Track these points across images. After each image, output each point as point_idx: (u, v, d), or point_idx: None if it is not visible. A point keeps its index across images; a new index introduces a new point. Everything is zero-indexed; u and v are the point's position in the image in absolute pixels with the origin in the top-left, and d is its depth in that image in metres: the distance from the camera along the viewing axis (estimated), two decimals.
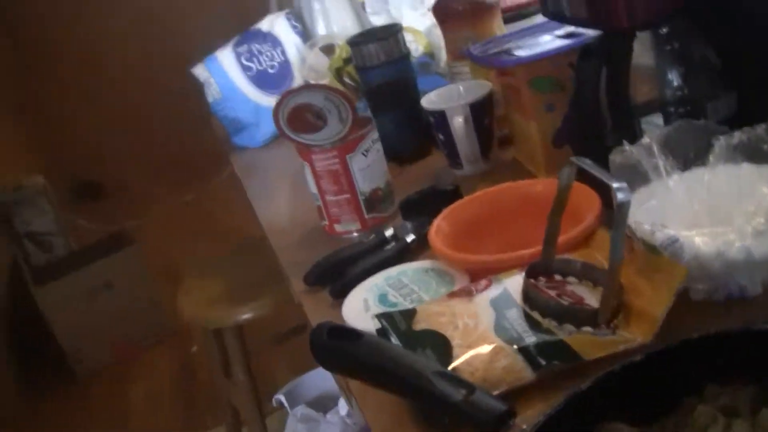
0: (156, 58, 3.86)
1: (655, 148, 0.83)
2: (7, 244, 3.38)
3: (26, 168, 3.75)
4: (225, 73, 1.81)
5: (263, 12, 2.02)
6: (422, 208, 1.16)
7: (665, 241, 0.75)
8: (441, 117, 1.29)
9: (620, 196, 0.70)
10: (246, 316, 1.91)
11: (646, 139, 0.85)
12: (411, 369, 0.69)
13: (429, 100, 1.33)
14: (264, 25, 1.89)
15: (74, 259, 3.31)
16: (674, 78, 1.03)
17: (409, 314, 0.82)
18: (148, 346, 3.18)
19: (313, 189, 1.25)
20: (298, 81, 1.85)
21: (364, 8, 1.92)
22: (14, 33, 4.09)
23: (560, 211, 0.79)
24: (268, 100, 1.80)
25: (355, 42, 1.43)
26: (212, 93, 1.80)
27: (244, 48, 1.84)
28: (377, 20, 1.89)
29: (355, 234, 1.23)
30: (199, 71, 1.80)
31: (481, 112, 1.28)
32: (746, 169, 0.82)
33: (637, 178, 0.84)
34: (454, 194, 1.15)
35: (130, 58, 4.03)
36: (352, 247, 1.15)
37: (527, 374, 0.72)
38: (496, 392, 0.70)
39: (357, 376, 0.74)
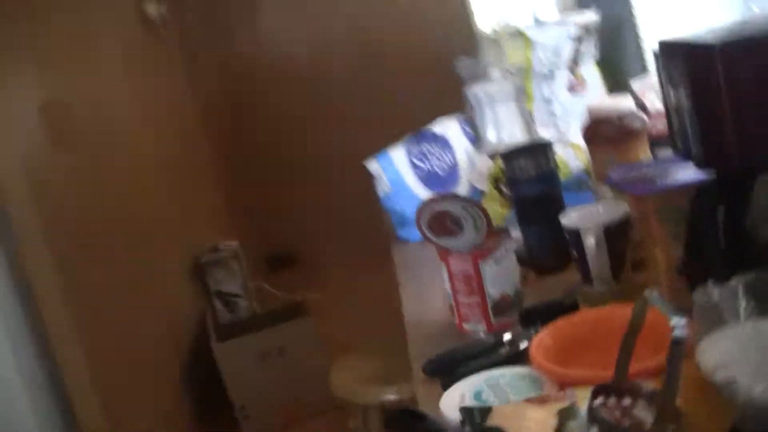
0: (359, 139, 4.13)
1: (740, 292, 0.89)
2: (200, 301, 3.67)
3: (225, 232, 4.07)
4: (396, 169, 1.96)
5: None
6: (542, 318, 1.24)
7: (723, 381, 0.80)
8: (575, 235, 1.37)
9: (677, 332, 0.77)
10: (390, 397, 2.02)
11: (733, 282, 0.90)
12: None
13: (568, 218, 1.41)
14: (437, 127, 2.04)
15: (254, 322, 3.54)
16: None
17: (486, 411, 0.91)
18: (312, 414, 3.34)
19: (448, 288, 1.36)
20: (464, 183, 1.97)
21: (533, 119, 2.03)
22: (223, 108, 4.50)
23: (633, 338, 0.86)
24: None
25: (507, 155, 1.54)
26: (383, 187, 1.95)
27: (416, 148, 1.98)
28: (545, 132, 2.00)
29: (482, 334, 1.33)
30: (372, 165, 1.96)
31: (614, 234, 1.35)
32: None
33: (720, 318, 0.90)
34: (572, 309, 1.22)
35: (334, 139, 4.33)
36: (471, 345, 1.25)
37: None
38: None
39: None
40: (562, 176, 1.74)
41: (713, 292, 0.90)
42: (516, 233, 1.56)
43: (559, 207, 1.51)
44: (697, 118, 1.04)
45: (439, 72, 2.74)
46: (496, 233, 1.32)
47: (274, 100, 4.67)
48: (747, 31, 1.05)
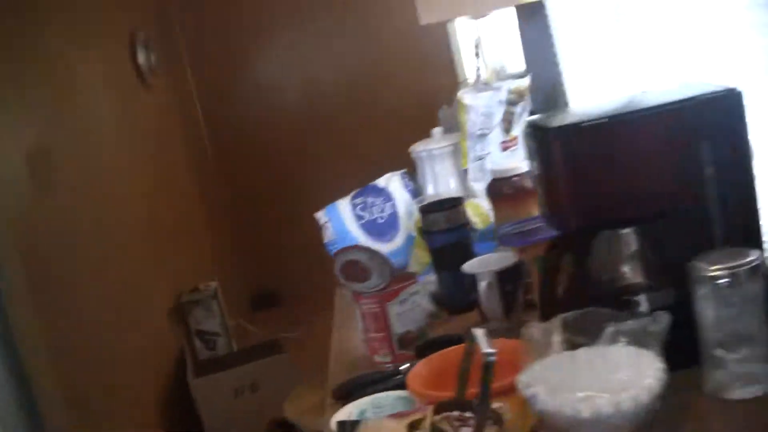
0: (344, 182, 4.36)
1: (558, 327, 1.11)
2: (180, 339, 3.88)
3: (209, 272, 4.28)
4: (341, 218, 2.18)
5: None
6: (434, 350, 1.45)
7: (529, 396, 1.02)
8: (473, 280, 1.59)
9: (487, 359, 0.99)
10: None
11: (555, 320, 1.12)
12: None
13: (469, 265, 1.64)
14: (381, 181, 2.26)
15: (231, 359, 3.75)
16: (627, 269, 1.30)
17: (355, 424, 1.12)
18: None
19: (360, 325, 1.57)
20: (402, 232, 2.19)
21: (467, 175, 2.26)
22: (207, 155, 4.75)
23: (468, 364, 1.08)
24: (375, 247, 2.14)
25: (423, 209, 1.77)
26: (328, 234, 2.17)
27: (360, 199, 2.21)
28: (478, 186, 2.22)
29: (389, 365, 1.54)
30: (320, 215, 2.18)
31: (505, 279, 1.57)
32: (620, 352, 1.08)
33: (541, 349, 1.12)
34: (458, 342, 1.44)
35: (318, 181, 4.54)
36: (375, 373, 1.46)
37: None
38: None
39: None
40: (484, 227, 1.97)
41: (534, 329, 1.11)
42: (433, 277, 1.79)
43: (468, 255, 1.73)
44: (544, 186, 1.26)
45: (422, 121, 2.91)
46: (400, 278, 1.54)
47: (260, 144, 4.92)
48: (594, 114, 1.28)
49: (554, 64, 2.45)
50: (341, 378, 1.55)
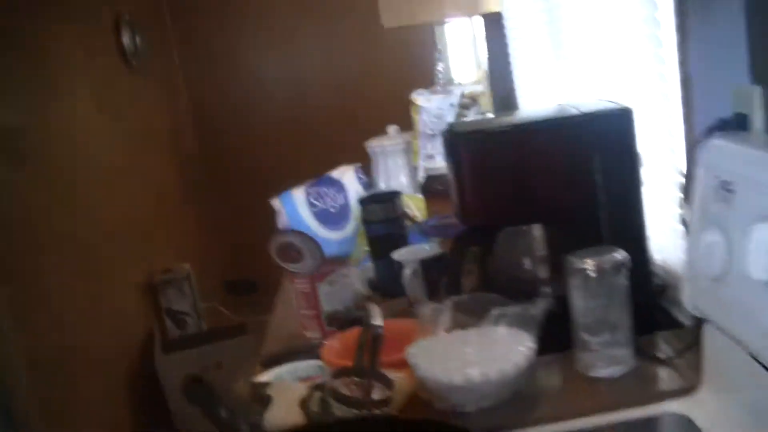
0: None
1: (448, 308, 1.26)
2: (151, 317, 4.01)
3: (186, 255, 4.41)
4: (295, 206, 2.32)
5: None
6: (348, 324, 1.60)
7: (412, 364, 1.17)
8: (400, 267, 1.74)
9: (376, 331, 1.14)
10: None
11: (446, 302, 1.28)
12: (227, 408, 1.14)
13: (398, 254, 1.79)
14: (336, 173, 2.41)
15: (198, 338, 3.90)
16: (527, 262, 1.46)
17: (267, 384, 1.27)
18: None
19: (294, 303, 1.73)
20: (352, 222, 2.34)
21: (416, 171, 2.41)
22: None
23: (365, 337, 1.23)
24: (326, 234, 2.30)
25: (362, 201, 1.92)
26: (282, 221, 2.32)
27: (314, 189, 2.35)
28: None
29: (317, 340, 1.69)
30: (275, 203, 2.33)
31: (428, 267, 1.72)
32: (499, 332, 1.24)
33: (437, 326, 1.27)
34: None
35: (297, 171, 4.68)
36: (300, 346, 1.61)
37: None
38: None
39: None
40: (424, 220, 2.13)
41: (426, 308, 1.27)
42: (370, 264, 1.94)
43: (401, 245, 1.88)
44: (455, 185, 1.41)
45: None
46: (331, 262, 1.69)
47: (243, 132, 5.05)
48: (503, 123, 1.43)
49: (509, 72, 2.61)
50: (274, 349, 1.70)
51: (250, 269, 5.25)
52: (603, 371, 1.26)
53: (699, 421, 1.12)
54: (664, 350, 1.31)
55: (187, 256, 4.39)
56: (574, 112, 1.39)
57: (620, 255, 1.23)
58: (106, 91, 3.83)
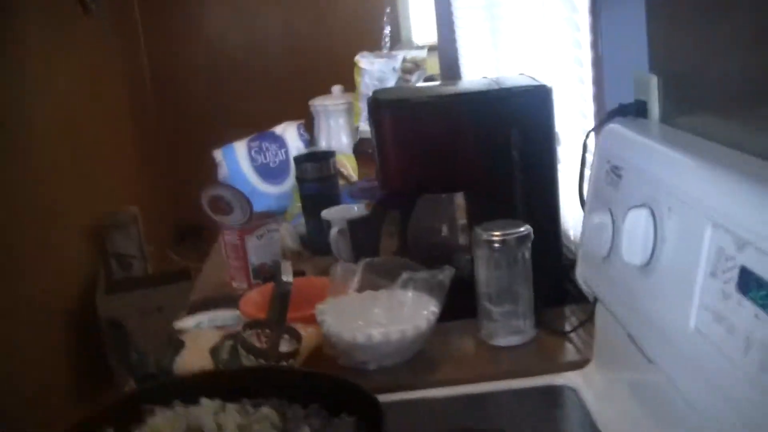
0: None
1: (360, 269, 1.32)
2: (97, 260, 4.04)
3: (136, 200, 4.43)
4: (236, 159, 2.37)
5: None
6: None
7: (319, 321, 1.23)
8: (329, 225, 1.79)
9: (284, 287, 1.19)
10: None
11: (360, 263, 1.33)
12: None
13: (327, 212, 1.84)
14: (278, 129, 2.45)
15: (142, 281, 3.93)
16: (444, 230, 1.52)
17: (182, 331, 1.33)
18: None
19: (223, 254, 1.77)
20: (291, 178, 2.38)
21: (358, 131, 2.46)
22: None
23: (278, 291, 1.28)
24: (265, 188, 2.34)
25: (296, 159, 1.96)
26: (222, 172, 2.36)
27: (256, 143, 2.39)
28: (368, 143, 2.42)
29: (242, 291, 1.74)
30: (216, 154, 2.37)
31: (355, 227, 1.77)
32: (408, 295, 1.30)
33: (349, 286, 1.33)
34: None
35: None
36: (224, 296, 1.66)
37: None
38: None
39: None
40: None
41: (339, 268, 1.32)
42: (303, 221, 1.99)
43: (333, 204, 1.93)
44: (377, 152, 1.46)
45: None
46: (261, 216, 1.74)
47: (198, 82, 5.06)
48: (426, 93, 1.48)
49: (454, 41, 2.65)
50: (201, 297, 1.76)
51: (199, 215, 5.30)
52: (503, 340, 1.32)
53: (584, 395, 1.19)
54: (571, 323, 1.37)
55: (137, 201, 4.41)
56: (495, 86, 1.44)
57: (525, 229, 1.29)
58: (59, 33, 3.81)
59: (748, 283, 0.77)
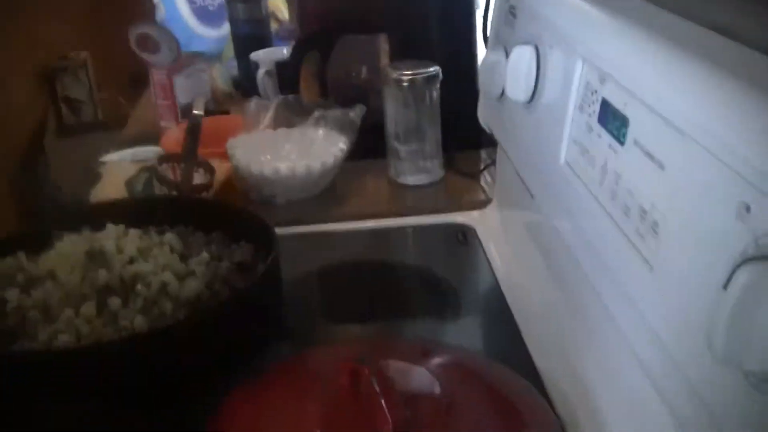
0: None
1: (273, 106, 1.34)
2: (47, 104, 4.00)
3: (79, 45, 4.35)
4: (174, 1, 2.34)
5: None
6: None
7: (230, 155, 1.27)
8: (257, 67, 1.80)
9: (194, 120, 1.22)
10: None
11: (273, 100, 1.36)
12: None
13: (255, 54, 1.84)
14: None
15: (92, 126, 3.92)
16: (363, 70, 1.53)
17: (102, 164, 1.36)
18: None
19: (153, 94, 1.79)
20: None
21: None
22: None
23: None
24: (203, 32, 2.33)
25: (230, 0, 1.95)
26: (160, 13, 2.34)
27: None
28: None
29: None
30: None
31: (283, 68, 1.78)
32: (319, 132, 1.33)
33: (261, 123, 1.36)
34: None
35: None
36: (149, 133, 1.69)
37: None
38: None
39: None
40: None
41: (252, 104, 1.35)
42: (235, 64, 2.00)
43: (265, 47, 1.93)
44: None
45: None
46: (189, 56, 1.75)
47: None
48: None
49: None
50: (130, 134, 1.78)
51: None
52: (411, 179, 1.36)
53: (481, 233, 1.24)
54: (484, 164, 1.42)
55: (89, 46, 4.34)
56: None
57: (434, 69, 1.31)
58: None
59: (606, 114, 0.81)
